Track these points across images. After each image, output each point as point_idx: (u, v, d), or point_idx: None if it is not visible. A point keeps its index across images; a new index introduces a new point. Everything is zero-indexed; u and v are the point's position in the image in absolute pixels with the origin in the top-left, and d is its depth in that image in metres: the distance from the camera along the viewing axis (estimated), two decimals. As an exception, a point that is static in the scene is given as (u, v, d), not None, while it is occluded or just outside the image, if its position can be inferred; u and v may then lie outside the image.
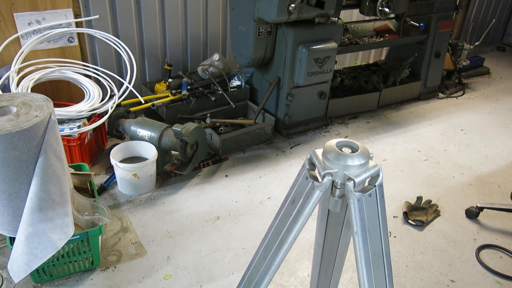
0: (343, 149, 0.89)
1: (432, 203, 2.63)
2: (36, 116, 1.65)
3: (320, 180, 0.87)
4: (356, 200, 0.85)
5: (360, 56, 4.56)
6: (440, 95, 4.15)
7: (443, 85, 4.20)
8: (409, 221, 2.49)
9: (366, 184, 0.91)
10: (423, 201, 2.63)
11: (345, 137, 3.34)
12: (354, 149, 0.90)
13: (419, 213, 2.54)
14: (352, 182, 0.84)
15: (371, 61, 4.54)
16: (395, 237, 2.39)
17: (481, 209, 2.54)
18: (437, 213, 2.57)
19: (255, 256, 1.03)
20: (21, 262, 1.67)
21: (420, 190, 2.77)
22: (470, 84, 4.50)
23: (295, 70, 3.01)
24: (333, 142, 0.90)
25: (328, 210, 1.20)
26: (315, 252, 1.43)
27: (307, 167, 0.92)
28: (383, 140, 3.34)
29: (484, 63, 4.81)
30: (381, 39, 3.59)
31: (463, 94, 4.23)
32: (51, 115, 1.70)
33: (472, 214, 2.56)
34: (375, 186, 0.88)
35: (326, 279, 1.51)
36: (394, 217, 2.53)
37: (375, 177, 0.89)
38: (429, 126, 3.59)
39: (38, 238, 1.67)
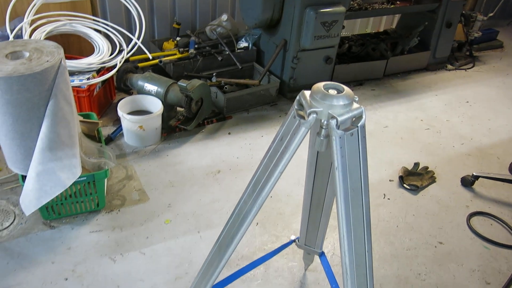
0: (329, 90, 0.95)
1: (428, 169, 2.69)
2: (47, 61, 1.72)
3: (306, 118, 0.94)
4: (338, 138, 0.92)
5: (371, 23, 4.54)
6: (449, 66, 4.15)
7: (453, 56, 4.19)
8: (404, 185, 2.56)
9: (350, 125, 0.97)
10: (420, 167, 2.69)
11: (349, 103, 3.39)
12: (339, 91, 0.96)
13: (415, 178, 2.61)
14: (335, 120, 0.91)
15: (381, 29, 4.52)
16: (389, 199, 2.47)
17: (476, 177, 2.60)
18: (432, 179, 2.64)
19: (245, 192, 1.12)
20: (32, 197, 1.78)
21: (418, 157, 2.83)
22: (481, 57, 4.47)
23: (302, 33, 3.03)
24: (320, 84, 0.97)
25: (317, 156, 1.28)
26: (304, 198, 1.51)
27: (296, 107, 0.99)
28: (387, 108, 3.38)
29: (498, 36, 4.75)
30: (392, 6, 3.57)
31: (473, 66, 4.21)
32: (61, 61, 1.77)
33: (468, 182, 2.62)
34: (357, 126, 0.94)
35: (314, 226, 1.60)
36: (390, 180, 2.61)
37: (358, 118, 0.95)
38: (434, 97, 3.62)
39: (48, 176, 1.78)
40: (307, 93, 0.98)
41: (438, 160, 2.84)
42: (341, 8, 3.01)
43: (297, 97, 0.99)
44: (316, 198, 1.44)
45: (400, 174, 2.62)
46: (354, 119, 0.95)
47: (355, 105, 0.95)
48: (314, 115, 0.93)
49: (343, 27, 3.20)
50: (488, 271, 2.09)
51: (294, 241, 1.81)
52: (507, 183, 2.65)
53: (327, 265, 1.77)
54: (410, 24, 3.95)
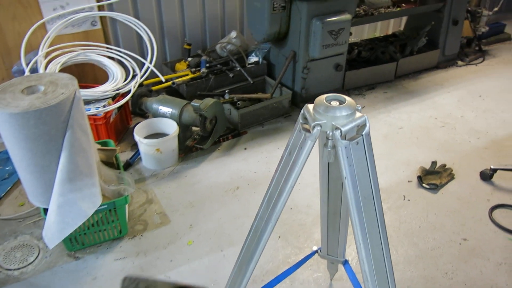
0: (331, 102, 0.97)
1: (446, 167, 2.67)
2: (62, 93, 1.78)
3: (311, 131, 0.96)
4: (343, 148, 0.94)
5: (379, 27, 4.55)
6: (460, 63, 4.12)
7: (462, 53, 4.17)
8: (423, 184, 2.54)
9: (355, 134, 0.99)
10: (437, 165, 2.67)
11: (362, 107, 3.39)
12: (342, 102, 0.98)
13: (434, 177, 2.59)
14: (339, 131, 0.93)
15: (389, 32, 4.52)
16: (409, 200, 2.45)
17: (495, 170, 2.57)
18: (451, 176, 2.61)
19: (259, 208, 1.14)
20: (54, 230, 1.83)
21: (435, 156, 2.81)
22: (490, 51, 4.44)
23: (310, 43, 3.06)
24: (322, 96, 0.99)
25: (328, 167, 1.29)
26: (321, 209, 1.52)
27: (301, 121, 1.01)
28: (400, 109, 3.37)
29: (506, 29, 4.73)
30: (397, 9, 3.58)
31: (483, 61, 4.18)
32: (76, 92, 1.83)
33: (486, 176, 2.59)
34: (362, 135, 0.96)
35: (334, 235, 1.61)
36: (408, 181, 2.59)
37: (362, 127, 0.97)
38: (447, 94, 3.60)
39: (69, 207, 1.82)
40: (310, 106, 1.00)
41: (455, 157, 2.82)
42: (347, 16, 3.03)
43: (301, 111, 1.02)
44: (332, 207, 1.45)
45: (418, 174, 2.60)
46: (358, 127, 0.97)
47: (358, 114, 0.97)
48: (319, 128, 0.95)
49: (351, 33, 3.22)
50: (515, 263, 2.06)
51: (316, 251, 1.81)
52: (527, 174, 2.61)
53: (351, 273, 1.76)
54: (418, 25, 3.94)
